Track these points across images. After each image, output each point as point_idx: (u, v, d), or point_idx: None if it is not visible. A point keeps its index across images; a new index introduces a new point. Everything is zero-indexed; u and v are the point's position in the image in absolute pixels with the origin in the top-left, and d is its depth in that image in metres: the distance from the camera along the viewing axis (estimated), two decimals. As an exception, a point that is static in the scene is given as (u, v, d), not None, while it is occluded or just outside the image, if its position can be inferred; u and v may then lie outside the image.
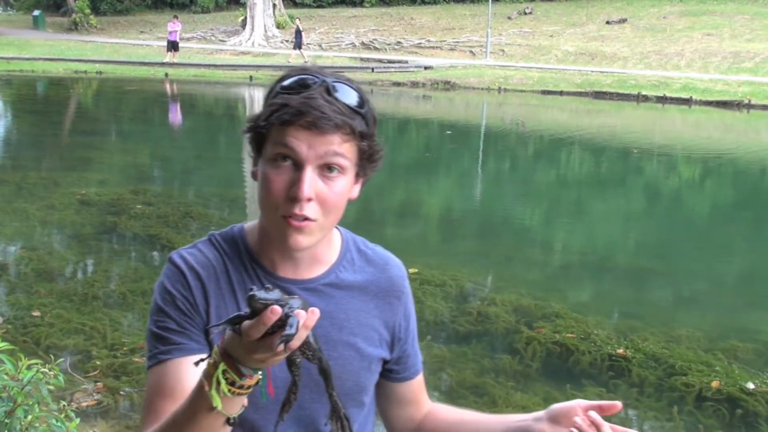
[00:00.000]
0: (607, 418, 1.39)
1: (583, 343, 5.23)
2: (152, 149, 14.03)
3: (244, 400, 1.19)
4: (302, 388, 1.26)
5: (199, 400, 1.16)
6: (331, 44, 37.42)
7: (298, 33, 31.75)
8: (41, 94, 24.06)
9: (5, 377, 2.33)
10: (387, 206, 9.82)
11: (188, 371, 1.29)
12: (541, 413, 1.44)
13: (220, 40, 39.09)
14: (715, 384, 4.68)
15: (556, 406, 1.43)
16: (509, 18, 38.68)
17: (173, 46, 30.10)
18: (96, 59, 30.17)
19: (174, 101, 23.56)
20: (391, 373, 1.54)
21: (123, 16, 46.81)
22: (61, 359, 2.54)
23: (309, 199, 1.28)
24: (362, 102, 1.33)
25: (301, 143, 1.27)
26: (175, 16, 31.68)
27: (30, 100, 22.19)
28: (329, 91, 1.29)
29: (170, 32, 30.10)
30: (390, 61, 32.17)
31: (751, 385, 4.67)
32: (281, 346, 1.06)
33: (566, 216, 10.36)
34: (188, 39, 37.40)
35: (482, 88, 26.63)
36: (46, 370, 2.31)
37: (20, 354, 2.45)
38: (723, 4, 36.37)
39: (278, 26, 39.33)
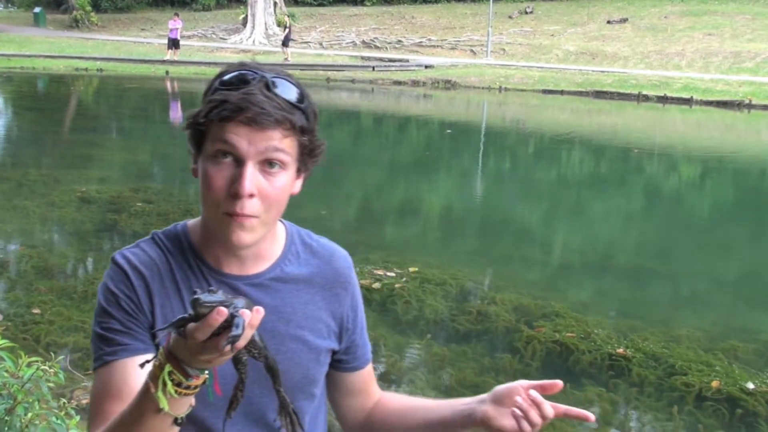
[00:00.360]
0: (554, 398, 1.40)
1: (583, 342, 5.23)
2: (153, 147, 14.03)
3: (192, 400, 1.18)
4: (251, 383, 1.26)
5: (146, 401, 1.15)
6: (332, 43, 37.41)
7: (289, 31, 31.75)
8: (42, 92, 24.06)
9: (5, 374, 2.33)
10: (387, 205, 9.82)
11: (134, 372, 1.28)
12: (485, 396, 1.47)
13: (221, 38, 39.08)
14: (715, 384, 4.68)
15: (499, 388, 1.46)
16: (510, 17, 38.66)
17: (174, 43, 30.09)
18: (97, 56, 30.15)
19: (174, 99, 23.55)
20: (340, 363, 1.54)
21: (124, 13, 46.79)
22: (61, 356, 2.53)
23: (251, 195, 1.27)
24: (302, 97, 1.33)
25: (241, 139, 1.26)
26: (176, 14, 31.65)
27: (30, 97, 22.19)
28: (269, 86, 1.28)
29: (171, 30, 30.09)
30: (391, 60, 32.15)
31: (751, 385, 4.67)
32: (228, 347, 1.06)
33: (566, 215, 10.36)
34: (189, 37, 37.39)
35: (483, 87, 26.62)
36: (47, 367, 2.31)
37: (20, 351, 2.45)
38: (724, 4, 36.35)
39: (279, 24, 39.30)
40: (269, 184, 1.29)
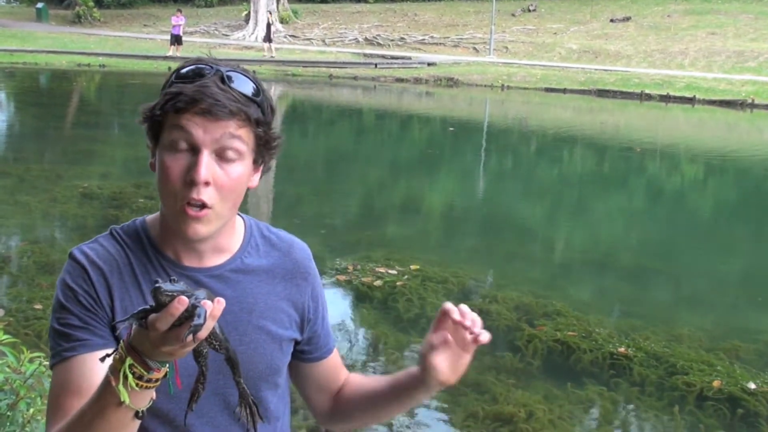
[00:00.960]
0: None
1: (584, 341, 5.23)
2: (155, 143, 14.00)
3: (153, 393, 1.19)
4: (215, 374, 1.28)
5: (107, 395, 1.15)
6: (335, 40, 37.39)
7: (268, 26, 31.68)
8: (44, 87, 24.06)
9: (7, 370, 2.34)
10: (389, 203, 9.82)
11: (93, 367, 1.28)
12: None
13: (224, 35, 39.07)
14: (716, 383, 4.68)
15: (423, 348, 1.43)
16: (513, 15, 38.64)
17: (177, 40, 30.06)
18: (99, 52, 30.14)
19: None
20: (303, 354, 1.56)
21: (126, 9, 46.82)
22: (63, 352, 2.53)
23: (206, 183, 1.28)
24: (258, 91, 1.34)
25: (197, 127, 1.28)
26: (179, 10, 31.62)
27: (33, 92, 22.19)
28: (224, 80, 1.30)
29: (174, 26, 30.06)
30: (393, 57, 32.14)
31: (752, 385, 4.67)
32: (190, 337, 1.07)
33: (568, 214, 10.36)
34: (191, 33, 37.37)
35: (485, 85, 26.60)
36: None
37: (22, 347, 2.46)
38: (727, 3, 36.32)
39: (282, 21, 39.31)
40: (225, 174, 1.31)
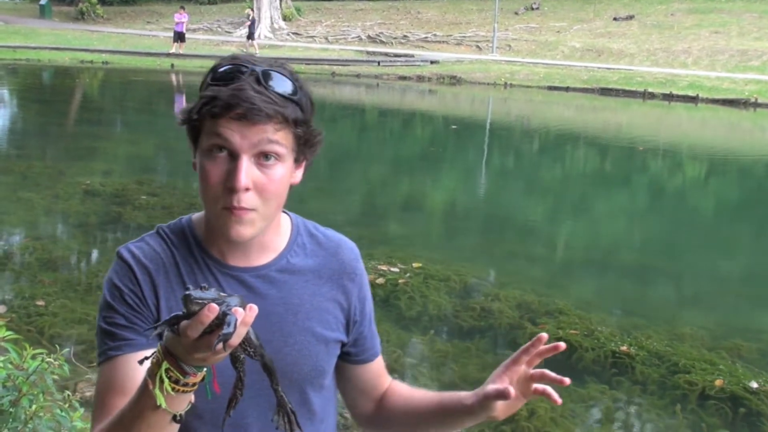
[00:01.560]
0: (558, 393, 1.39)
1: (586, 339, 5.22)
2: (157, 140, 14.02)
3: (191, 397, 1.18)
4: (259, 374, 1.26)
5: (145, 398, 1.16)
6: (338, 37, 37.37)
7: (252, 23, 31.56)
8: (47, 84, 24.07)
9: (10, 366, 2.34)
10: (391, 201, 9.81)
11: (138, 367, 1.27)
12: (480, 390, 1.41)
13: (227, 32, 39.06)
14: (718, 382, 4.67)
15: (489, 381, 1.40)
16: (516, 13, 38.58)
17: (180, 37, 30.06)
18: (102, 49, 30.15)
19: (179, 92, 23.55)
20: (348, 356, 1.53)
21: (129, 6, 46.80)
22: (66, 349, 2.54)
23: (246, 189, 1.27)
24: (296, 89, 1.32)
25: (234, 133, 1.26)
26: (182, 7, 31.60)
27: (36, 89, 22.20)
28: (259, 80, 1.28)
29: (177, 23, 30.06)
30: (396, 55, 32.11)
31: (754, 384, 4.67)
32: (220, 345, 1.06)
33: (571, 212, 10.35)
34: (194, 30, 37.37)
35: (488, 83, 26.58)
36: (51, 359, 2.31)
37: (25, 343, 2.46)
38: (731, 2, 36.23)
39: (285, 19, 39.29)
40: (265, 177, 1.29)
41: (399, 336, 5.28)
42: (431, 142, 16.49)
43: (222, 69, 1.30)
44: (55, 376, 2.34)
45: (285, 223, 1.48)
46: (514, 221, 9.51)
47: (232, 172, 1.27)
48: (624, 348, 5.13)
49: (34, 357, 2.35)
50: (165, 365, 1.12)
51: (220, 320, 1.05)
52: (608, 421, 4.42)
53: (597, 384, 4.70)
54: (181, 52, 29.81)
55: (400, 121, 18.62)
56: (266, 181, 1.29)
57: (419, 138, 17.05)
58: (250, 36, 31.30)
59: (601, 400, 4.55)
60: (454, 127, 18.28)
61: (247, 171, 1.27)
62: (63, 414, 2.35)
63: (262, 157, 1.28)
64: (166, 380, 1.12)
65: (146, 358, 1.17)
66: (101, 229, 7.43)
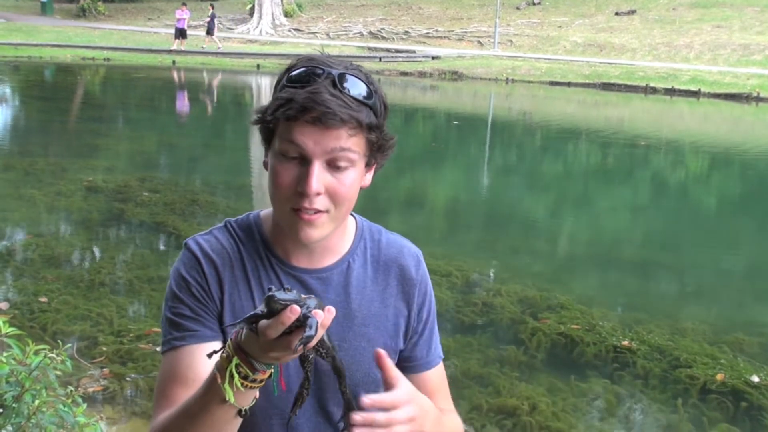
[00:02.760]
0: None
1: (588, 334, 5.23)
2: (159, 137, 14.04)
3: (256, 393, 1.20)
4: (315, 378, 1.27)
5: (212, 391, 1.17)
6: (339, 33, 37.35)
7: (212, 18, 31.37)
8: (49, 81, 24.08)
9: (13, 362, 2.35)
10: (393, 196, 9.81)
11: (201, 358, 1.29)
12: None
13: (228, 28, 39.04)
14: (719, 377, 4.68)
15: None
16: (517, 8, 38.52)
17: (181, 33, 30.05)
18: (104, 46, 30.15)
19: (181, 89, 23.56)
20: (400, 362, 1.49)
21: (131, 3, 46.77)
22: (68, 345, 2.55)
23: (318, 194, 1.28)
24: (371, 92, 1.31)
25: (307, 139, 1.26)
26: (184, 4, 31.55)
27: (37, 86, 22.21)
28: (335, 83, 1.27)
29: (178, 20, 30.05)
30: (398, 51, 32.10)
31: (755, 378, 4.67)
32: (300, 347, 1.07)
33: (572, 207, 10.35)
34: (196, 27, 37.34)
35: (490, 79, 26.56)
36: (54, 355, 2.32)
37: (27, 339, 2.47)
38: (733, -5, 36.15)
39: (286, 15, 39.25)
40: (337, 181, 1.30)
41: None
42: (433, 137, 16.49)
43: (298, 71, 1.30)
44: (58, 372, 2.35)
45: (350, 226, 1.48)
46: (515, 216, 9.51)
47: (303, 177, 1.27)
48: (625, 342, 5.13)
49: (36, 353, 2.35)
50: (235, 361, 1.13)
51: (301, 322, 1.06)
52: (610, 415, 4.43)
53: (598, 378, 4.70)
54: (182, 48, 29.81)
55: (401, 117, 18.54)
56: (337, 185, 1.30)
57: (421, 133, 17.04)
58: (209, 31, 31.01)
59: (602, 395, 4.56)
60: (455, 122, 18.28)
61: (319, 176, 1.27)
62: (66, 409, 2.36)
63: (334, 162, 1.29)
64: (236, 376, 1.14)
65: (215, 351, 1.18)
66: (103, 226, 7.44)
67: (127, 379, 4.28)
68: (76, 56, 27.92)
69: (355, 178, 1.33)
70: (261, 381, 1.17)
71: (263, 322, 1.07)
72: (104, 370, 4.36)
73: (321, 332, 1.10)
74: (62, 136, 13.47)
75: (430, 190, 10.87)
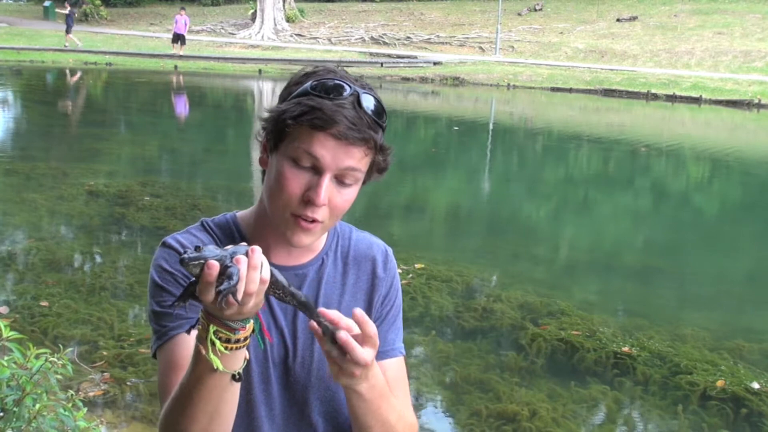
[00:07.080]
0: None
1: (588, 340, 5.23)
2: (161, 141, 14.05)
3: (246, 353, 1.21)
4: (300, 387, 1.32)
5: (200, 365, 1.18)
6: (341, 38, 37.40)
7: (69, 16, 31.20)
8: (51, 85, 24.12)
9: (14, 366, 2.35)
10: (394, 201, 9.82)
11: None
12: None
13: (230, 33, 39.10)
14: (720, 383, 4.67)
15: None
16: (519, 14, 38.59)
17: (179, 38, 30.09)
18: (106, 51, 30.23)
19: (183, 94, 23.59)
20: None
21: (133, 7, 46.88)
22: (69, 349, 2.55)
23: (323, 205, 1.32)
24: (382, 112, 1.35)
25: (327, 152, 1.28)
26: (182, 8, 31.64)
27: (40, 90, 22.25)
28: (359, 101, 1.30)
29: (177, 24, 30.10)
30: (399, 56, 32.14)
31: (756, 385, 4.67)
32: (230, 298, 1.07)
33: (573, 213, 10.35)
34: (198, 32, 37.43)
35: (491, 85, 26.58)
36: (55, 359, 2.33)
37: (29, 343, 2.47)
38: (734, 2, 36.19)
39: (288, 20, 39.32)
40: (340, 196, 1.34)
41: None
42: (434, 142, 16.50)
43: (324, 80, 1.32)
44: (59, 376, 2.36)
45: None
46: (516, 222, 9.51)
47: (313, 187, 1.30)
48: (626, 349, 5.13)
49: (37, 357, 2.36)
50: (212, 328, 1.15)
51: (228, 274, 1.06)
52: (610, 421, 4.43)
53: (599, 385, 4.70)
54: (181, 53, 29.83)
55: (402, 122, 18.57)
56: (339, 199, 1.34)
57: (422, 139, 17.06)
58: (68, 30, 31.00)
59: (602, 401, 4.56)
60: (456, 128, 18.29)
61: (328, 189, 1.31)
62: (66, 413, 2.36)
63: (342, 178, 1.33)
64: (217, 341, 1.15)
65: (192, 327, 1.20)
66: (105, 230, 7.44)
67: (128, 383, 4.28)
68: (79, 61, 27.98)
69: (354, 194, 1.38)
70: (245, 339, 1.17)
71: (198, 289, 1.09)
72: (105, 374, 4.36)
73: (254, 274, 1.09)
74: (64, 141, 13.49)
75: (431, 196, 10.88)
